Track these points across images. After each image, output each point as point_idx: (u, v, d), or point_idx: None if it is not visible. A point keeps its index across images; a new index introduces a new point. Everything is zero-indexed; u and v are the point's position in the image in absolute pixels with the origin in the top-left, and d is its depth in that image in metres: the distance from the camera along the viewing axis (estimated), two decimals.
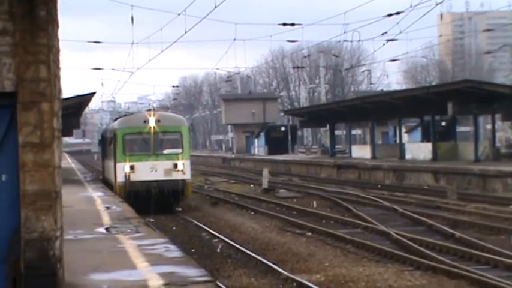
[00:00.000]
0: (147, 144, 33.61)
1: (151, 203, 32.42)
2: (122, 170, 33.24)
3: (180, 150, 33.71)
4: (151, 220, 27.65)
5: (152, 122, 33.57)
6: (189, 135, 35.04)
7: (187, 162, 33.82)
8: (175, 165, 33.25)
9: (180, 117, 38.38)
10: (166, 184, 32.97)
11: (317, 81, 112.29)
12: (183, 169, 33.31)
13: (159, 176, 33.13)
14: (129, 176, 33.03)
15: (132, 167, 33.13)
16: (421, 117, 61.62)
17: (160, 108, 68.01)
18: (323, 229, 25.44)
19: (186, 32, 41.34)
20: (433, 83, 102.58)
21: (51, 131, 10.15)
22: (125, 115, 41.92)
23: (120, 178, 33.30)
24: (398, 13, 43.14)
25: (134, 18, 41.19)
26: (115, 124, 37.11)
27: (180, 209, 33.70)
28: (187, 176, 33.64)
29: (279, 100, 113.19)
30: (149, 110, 39.01)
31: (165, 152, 33.70)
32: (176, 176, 33.21)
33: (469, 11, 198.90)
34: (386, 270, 18.21)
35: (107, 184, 38.90)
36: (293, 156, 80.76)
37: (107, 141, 40.13)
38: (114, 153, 34.46)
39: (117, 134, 34.19)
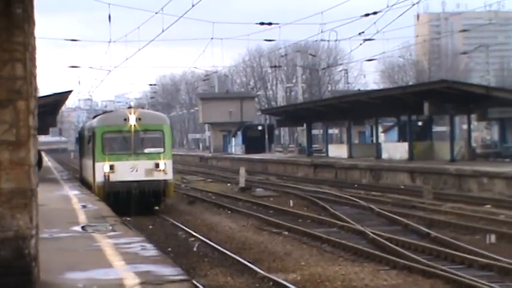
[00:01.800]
0: (127, 143, 32.50)
1: (132, 204, 31.41)
2: (101, 169, 32.17)
3: (161, 150, 32.67)
4: (128, 219, 27.55)
5: (132, 120, 32.46)
6: (171, 133, 34.02)
7: (169, 162, 32.76)
8: (157, 165, 32.20)
9: (161, 115, 37.37)
10: (147, 184, 31.90)
11: (294, 81, 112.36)
12: (164, 169, 32.22)
13: (140, 176, 32.07)
14: (108, 176, 31.94)
15: (111, 167, 32.06)
16: (397, 117, 61.91)
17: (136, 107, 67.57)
18: (299, 228, 25.48)
19: (163, 31, 41.18)
20: (410, 83, 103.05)
21: (27, 129, 10.10)
22: (104, 112, 41.23)
23: (99, 178, 32.24)
24: (375, 13, 43.22)
25: (111, 16, 40.99)
26: (94, 122, 36.07)
27: (156, 207, 33.46)
28: (169, 176, 32.62)
29: (256, 99, 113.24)
30: (130, 107, 38.36)
31: (146, 151, 32.62)
32: (158, 176, 32.16)
33: (446, 12, 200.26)
34: (362, 270, 18.26)
35: (85, 184, 38.09)
36: (270, 155, 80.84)
37: (85, 140, 39.05)
38: (92, 152, 33.46)
39: (96, 132, 33.14)
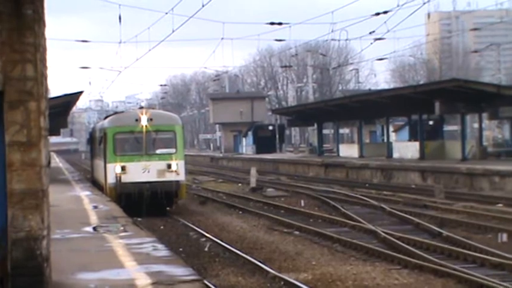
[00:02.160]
0: (139, 143, 32.18)
1: (144, 205, 31.18)
2: (113, 170, 31.89)
3: (173, 150, 32.34)
4: (139, 219, 27.58)
5: (144, 121, 32.14)
6: (183, 134, 33.68)
7: (182, 163, 32.43)
8: (169, 166, 31.90)
9: (173, 115, 36.79)
10: (159, 185, 31.61)
11: (305, 80, 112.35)
12: (176, 170, 31.90)
13: (152, 177, 31.77)
14: (120, 177, 31.65)
15: (123, 168, 31.75)
16: (408, 116, 61.77)
17: (147, 107, 67.44)
18: (311, 228, 25.47)
19: (173, 31, 41.34)
20: (421, 82, 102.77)
21: (38, 130, 10.13)
22: (116, 113, 41.11)
23: (111, 179, 31.98)
24: (385, 12, 43.25)
25: (122, 17, 41.10)
26: (105, 122, 35.79)
27: (168, 208, 33.41)
28: (182, 177, 32.27)
29: (266, 99, 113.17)
30: (141, 107, 38.27)
31: (158, 152, 32.29)
32: (170, 177, 31.83)
33: (456, 10, 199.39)
34: (373, 269, 18.25)
35: (96, 185, 37.97)
36: (281, 155, 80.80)
37: (96, 141, 38.89)
38: (104, 153, 33.28)
39: (107, 133, 32.92)
